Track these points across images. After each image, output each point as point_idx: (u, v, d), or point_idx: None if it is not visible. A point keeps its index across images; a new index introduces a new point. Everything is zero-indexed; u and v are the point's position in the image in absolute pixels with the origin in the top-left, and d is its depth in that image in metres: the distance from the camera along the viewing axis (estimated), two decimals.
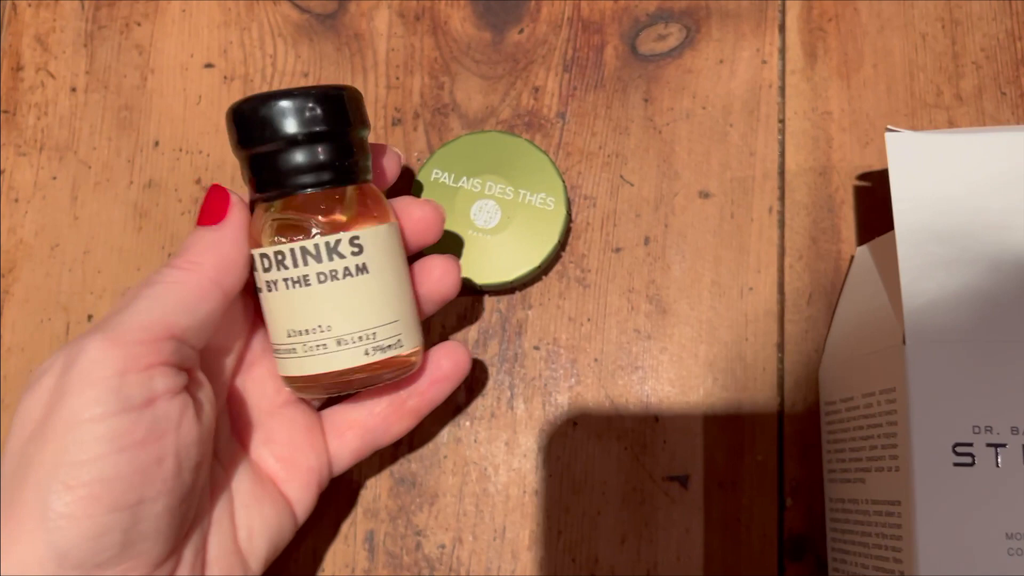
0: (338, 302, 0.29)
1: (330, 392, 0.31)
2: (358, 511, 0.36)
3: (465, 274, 0.36)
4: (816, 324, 0.37)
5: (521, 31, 0.40)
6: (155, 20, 0.41)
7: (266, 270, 0.30)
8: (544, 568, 0.36)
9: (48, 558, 0.25)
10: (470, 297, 0.38)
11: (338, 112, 0.29)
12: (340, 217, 0.29)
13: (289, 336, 0.30)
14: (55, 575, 0.25)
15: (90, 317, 0.39)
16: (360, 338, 0.29)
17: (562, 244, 0.37)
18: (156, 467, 0.26)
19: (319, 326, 0.29)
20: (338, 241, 0.29)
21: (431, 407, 0.33)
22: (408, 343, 0.31)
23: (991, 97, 0.38)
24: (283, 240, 0.29)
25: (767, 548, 0.35)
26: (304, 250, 0.29)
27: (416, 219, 0.32)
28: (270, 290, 0.30)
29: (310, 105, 0.29)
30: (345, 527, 0.36)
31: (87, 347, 0.26)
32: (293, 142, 0.29)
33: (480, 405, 0.37)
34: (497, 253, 0.36)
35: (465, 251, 0.36)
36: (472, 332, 0.38)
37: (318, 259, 0.29)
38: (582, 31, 0.39)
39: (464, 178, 0.36)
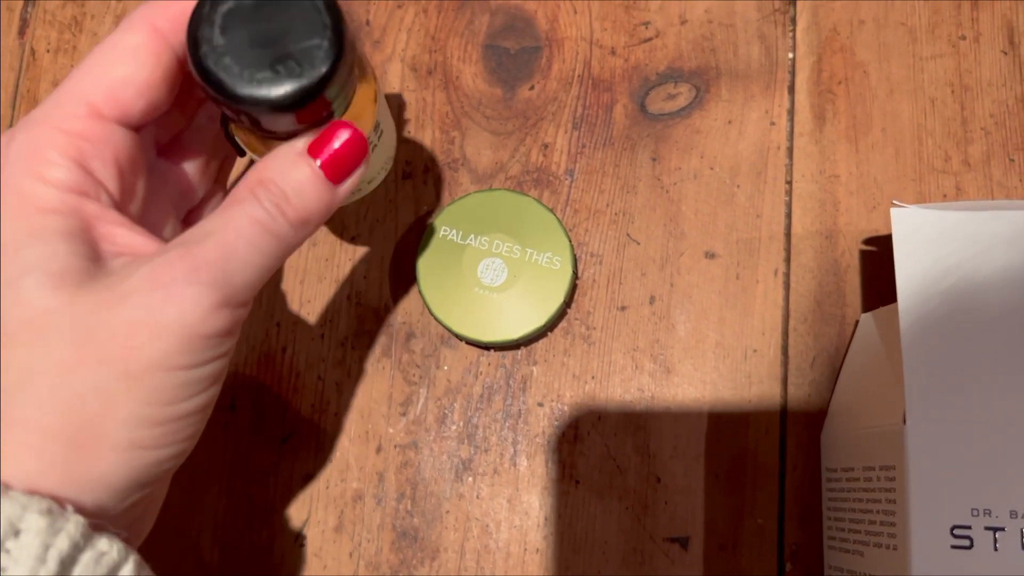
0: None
1: None
2: (360, 564, 0.37)
3: (471, 332, 0.36)
4: (819, 388, 0.37)
5: (532, 88, 0.40)
6: None
7: None
8: None
9: None
10: (475, 351, 0.38)
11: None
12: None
13: None
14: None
15: None
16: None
17: (568, 302, 0.38)
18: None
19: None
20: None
21: None
22: None
23: (999, 164, 0.38)
24: None
25: None
26: None
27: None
28: None
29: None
30: None
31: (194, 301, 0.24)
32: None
33: (483, 461, 0.37)
34: (503, 311, 0.36)
35: (471, 308, 0.36)
36: (476, 387, 0.38)
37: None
38: (592, 89, 0.40)
39: (472, 236, 0.37)
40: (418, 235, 0.39)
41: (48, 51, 0.42)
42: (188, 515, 0.38)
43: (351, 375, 0.38)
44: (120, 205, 0.25)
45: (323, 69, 0.24)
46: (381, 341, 0.39)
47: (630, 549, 0.36)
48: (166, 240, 0.25)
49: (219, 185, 0.31)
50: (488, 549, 0.37)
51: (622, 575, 0.36)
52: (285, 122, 0.25)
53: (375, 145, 0.31)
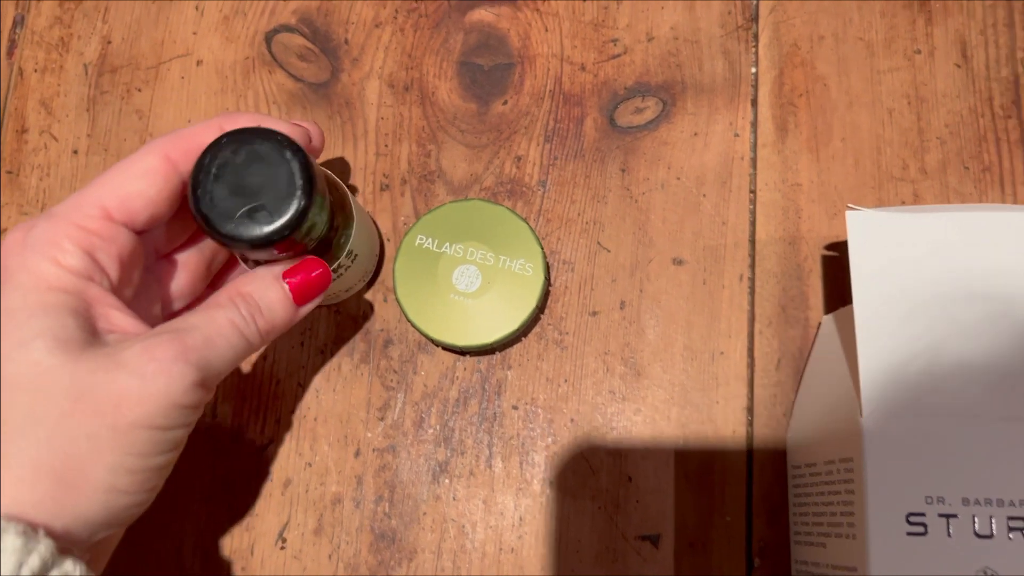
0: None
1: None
2: (339, 566, 0.38)
3: (447, 337, 0.37)
4: (784, 389, 0.38)
5: (505, 103, 0.41)
6: (155, 87, 0.43)
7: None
8: None
9: None
10: (452, 356, 0.39)
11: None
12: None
13: None
14: None
15: None
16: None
17: (540, 308, 0.39)
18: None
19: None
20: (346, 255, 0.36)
21: None
22: None
23: (955, 171, 0.40)
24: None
25: None
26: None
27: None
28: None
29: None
30: None
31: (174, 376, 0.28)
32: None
33: (459, 463, 0.38)
34: (478, 316, 0.37)
35: (447, 314, 0.37)
36: (453, 391, 0.39)
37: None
38: (563, 103, 0.41)
39: (447, 244, 0.38)
40: (395, 244, 0.40)
41: (35, 71, 0.43)
42: (170, 522, 0.38)
43: (330, 381, 0.39)
44: (117, 291, 0.30)
45: (289, 220, 0.30)
46: (360, 348, 0.40)
47: (603, 548, 0.37)
48: (150, 326, 0.30)
49: (199, 300, 0.36)
50: (464, 549, 0.37)
51: (595, 573, 0.37)
52: (261, 255, 0.32)
53: (349, 267, 0.37)
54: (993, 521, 0.29)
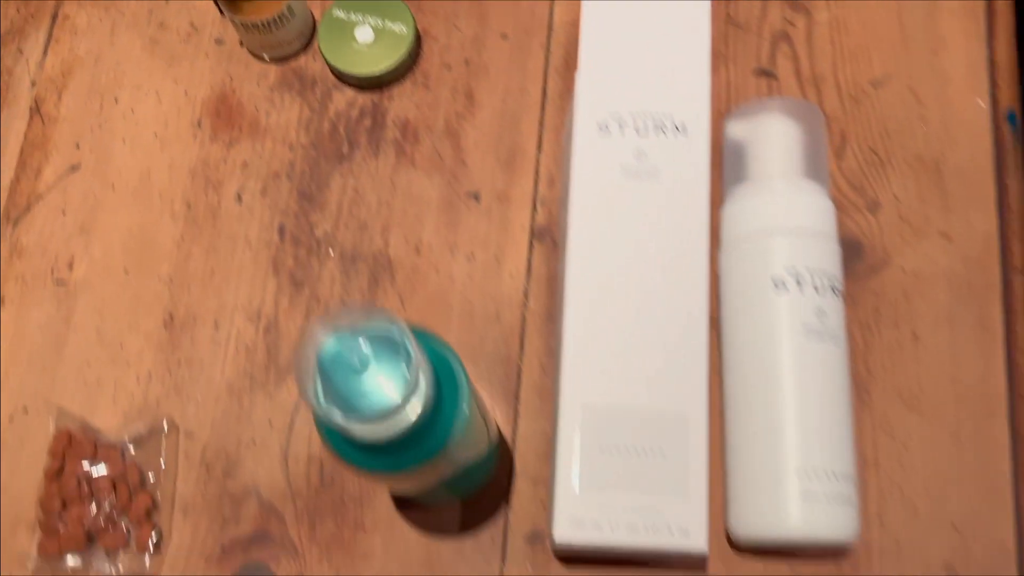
0: None
1: None
2: (276, 212, 0.58)
3: (350, 68, 0.59)
4: (562, 112, 0.59)
5: None
6: None
7: None
8: (392, 248, 0.57)
9: None
10: (355, 92, 0.61)
11: None
12: None
13: None
14: None
15: (116, 100, 0.61)
16: None
17: (413, 58, 0.60)
18: None
19: None
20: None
21: None
22: None
23: None
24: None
25: (523, 235, 0.57)
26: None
27: None
28: None
29: None
30: (268, 223, 0.58)
31: None
32: None
33: (356, 154, 0.59)
34: (371, 56, 0.59)
35: (351, 56, 0.59)
36: (354, 112, 0.60)
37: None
38: None
39: (352, 14, 0.60)
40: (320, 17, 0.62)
41: None
42: (166, 183, 0.59)
43: (275, 106, 0.61)
44: None
45: None
46: (295, 86, 0.61)
47: (444, 202, 0.58)
48: None
49: None
50: (356, 203, 0.58)
51: (440, 217, 0.58)
52: None
53: (290, 19, 0.58)
54: (646, 124, 0.50)
